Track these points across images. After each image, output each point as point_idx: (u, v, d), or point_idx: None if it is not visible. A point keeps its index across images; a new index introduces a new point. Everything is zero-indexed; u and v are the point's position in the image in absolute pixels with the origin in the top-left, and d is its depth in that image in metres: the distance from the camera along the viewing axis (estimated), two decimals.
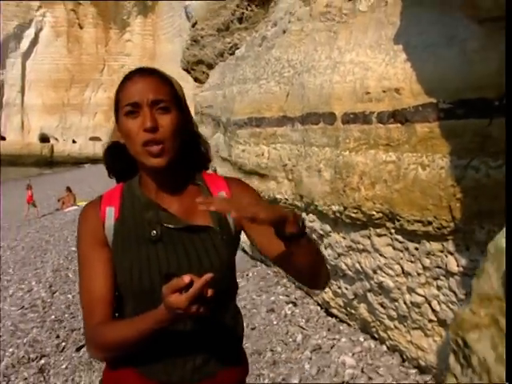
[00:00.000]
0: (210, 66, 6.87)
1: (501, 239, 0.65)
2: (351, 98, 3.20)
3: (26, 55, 54.88)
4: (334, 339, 3.52)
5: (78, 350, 3.53)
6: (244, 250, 6.01)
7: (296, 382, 2.95)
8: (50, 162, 52.42)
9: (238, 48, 6.08)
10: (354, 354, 3.25)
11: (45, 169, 43.71)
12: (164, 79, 1.16)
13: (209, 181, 1.23)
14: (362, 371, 3.01)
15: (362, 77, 3.15)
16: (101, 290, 1.12)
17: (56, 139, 57.60)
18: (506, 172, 0.50)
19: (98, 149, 56.83)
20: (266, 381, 2.99)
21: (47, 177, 32.67)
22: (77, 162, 51.53)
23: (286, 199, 3.94)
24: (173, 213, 1.15)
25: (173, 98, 1.15)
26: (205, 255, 1.13)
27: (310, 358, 3.25)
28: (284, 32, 4.36)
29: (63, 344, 3.72)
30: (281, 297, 4.41)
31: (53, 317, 4.42)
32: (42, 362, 3.44)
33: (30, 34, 53.71)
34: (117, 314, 1.16)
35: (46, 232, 10.62)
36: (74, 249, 7.87)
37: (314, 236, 3.74)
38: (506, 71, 0.76)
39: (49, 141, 57.32)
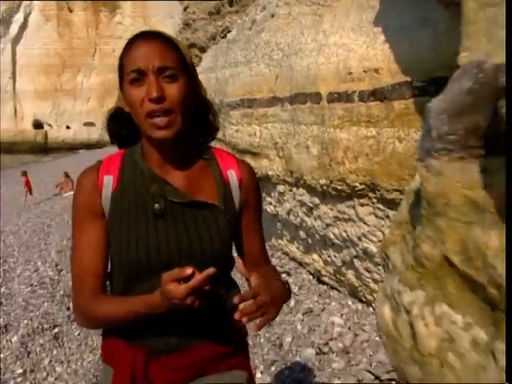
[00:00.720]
0: (203, 50, 7.04)
1: (415, 183, 0.88)
2: (335, 78, 3.42)
3: (16, 40, 54.16)
4: (325, 303, 3.81)
5: None
6: None
7: (289, 339, 3.24)
8: (45, 149, 52.08)
9: (229, 31, 6.25)
10: (342, 315, 3.54)
11: (40, 155, 43.58)
12: (171, 43, 1.07)
13: (218, 156, 1.19)
14: (349, 329, 3.30)
15: (344, 58, 3.37)
16: (92, 262, 1.09)
17: (50, 125, 57.27)
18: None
19: (92, 134, 56.58)
20: (262, 340, 3.28)
21: (43, 163, 32.64)
22: (71, 147, 51.25)
23: (278, 175, 4.19)
24: (177, 187, 1.10)
25: (180, 64, 1.06)
26: (206, 233, 1.10)
27: (302, 320, 3.54)
28: (272, 16, 4.55)
29: (73, 314, 4.01)
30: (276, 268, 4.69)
31: (61, 292, 4.69)
32: (56, 330, 3.72)
33: (18, 18, 52.93)
34: (108, 288, 1.15)
35: (46, 216, 10.83)
36: None
37: (304, 209, 4.01)
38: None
39: (42, 127, 57.02)
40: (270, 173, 4.28)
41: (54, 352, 3.34)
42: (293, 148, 3.87)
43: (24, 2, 51.46)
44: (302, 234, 4.32)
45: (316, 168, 3.55)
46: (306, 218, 4.06)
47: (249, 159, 4.54)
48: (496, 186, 0.59)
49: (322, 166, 3.46)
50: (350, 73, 3.26)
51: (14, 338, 3.63)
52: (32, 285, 5.17)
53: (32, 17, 54.05)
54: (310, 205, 3.86)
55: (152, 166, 1.11)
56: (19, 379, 3.00)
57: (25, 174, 15.18)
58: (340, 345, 3.13)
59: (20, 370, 3.11)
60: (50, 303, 4.40)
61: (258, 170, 4.42)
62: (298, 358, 3.04)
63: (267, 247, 4.74)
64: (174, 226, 1.09)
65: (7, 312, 4.37)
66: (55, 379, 2.97)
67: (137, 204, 1.09)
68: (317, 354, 3.07)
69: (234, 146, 4.81)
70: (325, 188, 3.50)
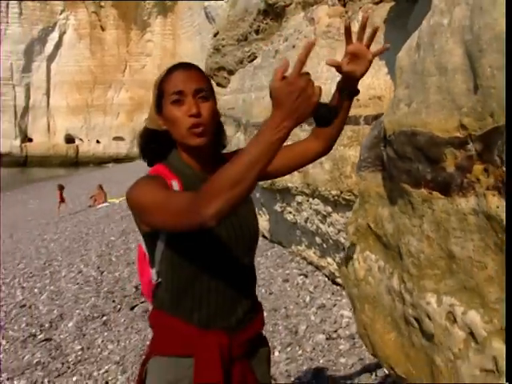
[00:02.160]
0: (231, 72, 7.69)
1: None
2: None
3: (51, 58, 56.37)
4: (336, 300, 4.32)
5: (132, 309, 4.43)
6: (263, 235, 6.86)
7: (303, 327, 3.77)
8: (76, 163, 53.68)
9: (255, 57, 6.88)
10: (351, 309, 4.03)
11: (71, 169, 45.05)
12: (202, 72, 1.31)
13: (229, 158, 1.33)
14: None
15: None
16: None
17: (81, 140, 59.16)
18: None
19: (120, 148, 58.20)
20: (280, 328, 3.82)
21: (74, 177, 33.81)
22: (101, 161, 52.69)
23: (297, 187, 4.75)
24: None
25: (210, 88, 1.30)
26: (247, 213, 1.34)
27: (316, 313, 4.06)
28: (293, 47, 5.15)
29: (119, 306, 4.62)
30: (294, 270, 5.23)
31: (106, 289, 5.32)
32: (104, 318, 4.33)
33: (54, 37, 55.17)
34: None
35: (83, 226, 11.58)
36: (112, 238, 8.82)
37: (319, 217, 4.55)
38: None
39: (74, 141, 58.93)
40: (289, 185, 4.84)
41: (105, 334, 3.96)
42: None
43: (59, 21, 53.76)
44: (317, 239, 4.85)
45: (329, 181, 4.10)
46: (321, 225, 4.60)
47: None
48: (387, 185, 1.09)
49: (334, 179, 4.01)
50: (358, 99, 3.82)
51: (70, 324, 4.27)
52: (78, 283, 5.83)
53: (66, 35, 56.27)
54: (324, 213, 4.41)
55: (196, 170, 1.30)
56: (79, 353, 3.62)
57: (62, 188, 15.76)
58: (347, 332, 3.64)
59: (79, 347, 3.73)
60: (97, 298, 5.03)
61: (279, 183, 5.00)
62: (310, 342, 3.56)
63: (287, 254, 5.36)
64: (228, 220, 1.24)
65: (60, 305, 5.03)
66: (108, 353, 3.58)
67: None
68: (327, 339, 3.59)
69: None
70: (336, 198, 4.04)
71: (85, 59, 58.18)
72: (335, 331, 3.70)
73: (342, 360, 3.27)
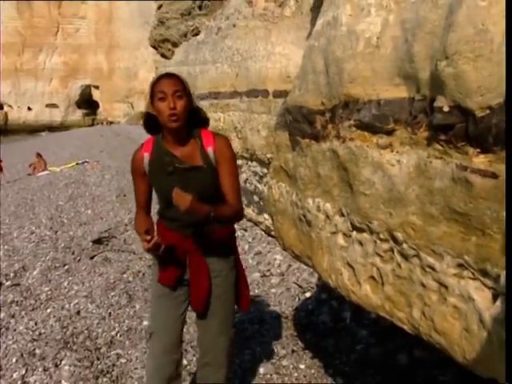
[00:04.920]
0: (175, 45, 8.13)
1: None
2: (279, 79, 4.68)
3: None
4: (271, 248, 5.11)
5: (92, 258, 4.98)
6: None
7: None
8: (5, 130, 51.04)
9: (199, 31, 7.38)
10: (282, 255, 4.84)
11: (0, 137, 42.87)
12: (180, 79, 1.85)
13: (204, 136, 1.90)
14: (286, 261, 4.61)
15: (285, 65, 4.62)
16: (141, 197, 2.00)
17: (10, 106, 56.23)
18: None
19: (55, 116, 55.92)
20: None
21: (6, 145, 32.35)
22: (33, 129, 50.50)
23: (237, 152, 5.43)
24: (180, 157, 1.85)
25: (184, 90, 1.83)
26: (197, 182, 1.85)
27: (253, 257, 4.83)
28: (234, 26, 5.74)
29: (78, 258, 5.14)
30: (235, 226, 5.96)
31: (62, 245, 5.78)
32: (66, 267, 4.85)
33: None
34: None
35: (26, 193, 11.59)
36: (61, 203, 9.11)
37: (257, 178, 5.27)
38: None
39: (2, 108, 55.89)
40: None
41: (70, 278, 4.50)
42: (248, 131, 5.12)
43: None
44: (255, 198, 5.59)
45: (264, 146, 4.81)
46: (258, 185, 5.33)
47: None
48: (290, 139, 1.77)
49: (269, 144, 4.72)
50: (288, 76, 4.52)
51: (35, 272, 4.76)
52: (34, 242, 6.22)
53: None
54: (261, 174, 5.13)
55: (168, 146, 1.89)
56: (49, 293, 4.17)
57: None
58: (278, 271, 4.44)
59: (47, 288, 4.27)
60: (55, 252, 5.50)
61: None
62: (248, 279, 4.32)
63: None
64: (178, 179, 1.85)
65: (19, 260, 5.44)
66: (75, 292, 4.15)
67: (161, 168, 1.90)
68: (261, 276, 4.37)
69: None
70: (271, 160, 4.76)
71: (11, 20, 54.69)
72: (268, 270, 4.48)
73: (273, 290, 4.05)
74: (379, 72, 1.27)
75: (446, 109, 1.07)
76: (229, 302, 2.05)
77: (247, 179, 5.55)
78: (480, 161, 1.00)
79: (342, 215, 1.45)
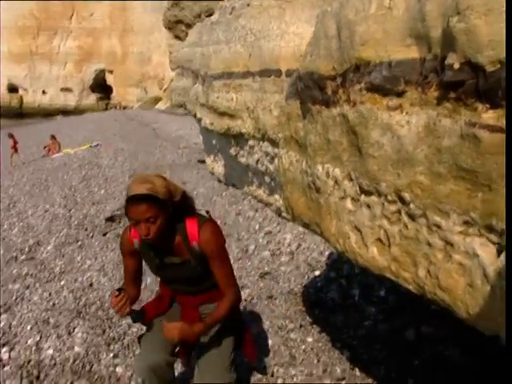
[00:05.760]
0: (189, 26, 8.11)
1: None
2: (292, 58, 4.65)
3: None
4: (281, 228, 5.13)
5: (104, 235, 5.07)
6: (219, 180, 7.57)
7: (253, 247, 4.56)
8: (20, 114, 51.48)
9: (213, 11, 7.34)
10: (292, 234, 4.87)
11: (15, 120, 43.32)
12: (150, 202, 1.75)
13: (188, 229, 1.90)
14: (296, 240, 4.64)
15: (299, 44, 4.59)
16: (130, 275, 2.05)
17: (25, 90, 56.65)
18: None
19: (69, 100, 56.27)
20: (233, 247, 4.59)
21: (21, 128, 32.74)
22: (48, 113, 50.85)
23: (249, 132, 5.43)
24: (167, 250, 1.92)
25: (158, 210, 1.77)
26: (186, 272, 1.93)
27: (263, 237, 4.86)
28: (248, 5, 5.70)
29: (91, 234, 5.24)
30: (246, 207, 5.99)
31: (76, 222, 5.89)
32: (79, 243, 4.95)
33: None
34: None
35: (41, 173, 11.78)
36: (74, 183, 9.23)
37: (268, 158, 5.28)
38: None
39: (17, 91, 56.34)
40: (243, 131, 5.51)
41: (83, 253, 4.59)
42: (260, 111, 5.11)
43: None
44: (267, 178, 5.61)
45: (276, 125, 4.80)
46: (270, 165, 5.34)
47: (227, 120, 5.77)
48: (301, 107, 1.78)
49: (281, 123, 4.72)
50: (301, 55, 4.50)
51: (49, 247, 4.86)
52: (48, 219, 6.35)
53: None
54: (272, 154, 5.13)
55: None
56: (62, 266, 4.26)
57: (11, 136, 15.80)
58: (288, 249, 4.46)
59: (61, 262, 4.36)
60: (69, 229, 5.61)
61: (233, 129, 5.66)
62: (257, 257, 4.36)
63: (240, 194, 6.21)
64: (167, 269, 1.99)
65: (34, 236, 5.56)
66: (88, 266, 4.23)
67: (150, 256, 1.99)
68: (271, 255, 4.40)
69: (215, 109, 6.02)
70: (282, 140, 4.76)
71: (27, 3, 54.83)
72: (278, 249, 4.51)
73: (283, 268, 4.08)
74: (391, 33, 1.27)
75: (456, 66, 1.07)
76: (224, 344, 2.03)
77: (259, 160, 5.56)
78: (489, 116, 1.00)
79: (351, 180, 1.46)
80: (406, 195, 1.23)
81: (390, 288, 3.30)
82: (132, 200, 1.79)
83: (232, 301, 1.94)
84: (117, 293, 1.81)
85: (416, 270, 1.21)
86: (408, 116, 1.22)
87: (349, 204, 1.49)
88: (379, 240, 1.35)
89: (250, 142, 5.58)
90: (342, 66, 1.46)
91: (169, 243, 1.91)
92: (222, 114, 5.88)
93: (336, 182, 1.54)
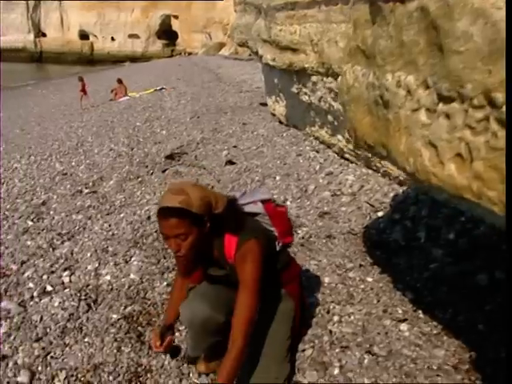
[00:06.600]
0: None
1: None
2: None
3: None
4: (343, 169, 4.89)
5: (164, 171, 5.10)
6: (280, 121, 7.34)
7: (312, 187, 4.39)
8: (91, 60, 52.98)
9: None
10: (355, 176, 4.62)
11: (87, 66, 44.73)
12: (180, 218, 1.60)
13: (226, 245, 1.78)
14: (358, 181, 4.40)
15: None
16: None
17: (95, 36, 57.91)
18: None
19: (136, 47, 56.99)
20: (292, 187, 4.43)
21: (91, 74, 33.71)
22: (116, 60, 51.92)
23: (312, 67, 5.12)
24: (211, 261, 1.85)
25: (190, 226, 1.62)
26: (234, 284, 1.73)
27: (324, 177, 4.66)
28: None
29: (151, 171, 5.29)
30: (307, 147, 5.77)
31: (137, 160, 5.97)
32: (140, 179, 5.02)
33: None
34: None
35: (107, 115, 12.14)
36: (138, 124, 9.39)
37: (332, 95, 4.97)
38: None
39: (88, 38, 57.73)
40: (306, 65, 5.20)
41: (143, 188, 4.65)
42: (325, 43, 4.76)
43: None
44: (329, 117, 5.32)
45: (342, 58, 4.46)
46: (333, 103, 5.04)
47: (289, 54, 5.46)
48: (371, 10, 1.52)
49: (347, 56, 4.37)
50: None
51: (111, 182, 4.97)
52: (112, 157, 6.50)
53: None
54: (336, 91, 4.82)
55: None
56: (123, 200, 4.33)
57: (81, 79, 16.33)
58: (349, 190, 4.24)
59: (121, 196, 4.44)
60: (130, 166, 5.71)
61: (295, 64, 5.36)
62: (317, 197, 4.19)
63: (300, 134, 5.94)
64: (217, 280, 1.91)
65: (98, 172, 5.73)
66: (147, 201, 4.28)
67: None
68: (331, 195, 4.21)
69: (278, 43, 5.71)
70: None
71: None
72: (339, 190, 4.30)
73: (343, 208, 3.89)
74: None
75: None
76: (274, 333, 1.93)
77: (321, 97, 5.26)
78: None
79: (427, 87, 1.23)
80: (499, 95, 0.99)
81: (460, 231, 3.04)
82: (162, 213, 1.63)
83: (240, 348, 1.64)
84: (158, 343, 1.94)
85: (504, 187, 1.00)
86: None
87: (423, 116, 1.27)
88: (459, 155, 1.13)
89: (313, 78, 5.27)
90: None
91: (208, 256, 1.82)
92: (285, 48, 5.57)
93: (408, 91, 1.31)
